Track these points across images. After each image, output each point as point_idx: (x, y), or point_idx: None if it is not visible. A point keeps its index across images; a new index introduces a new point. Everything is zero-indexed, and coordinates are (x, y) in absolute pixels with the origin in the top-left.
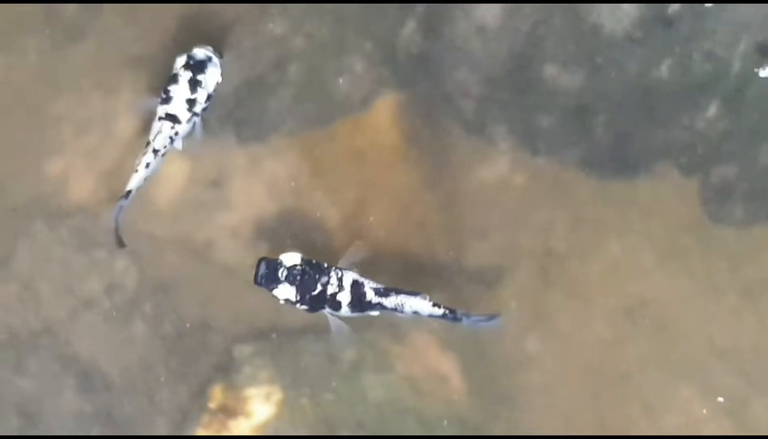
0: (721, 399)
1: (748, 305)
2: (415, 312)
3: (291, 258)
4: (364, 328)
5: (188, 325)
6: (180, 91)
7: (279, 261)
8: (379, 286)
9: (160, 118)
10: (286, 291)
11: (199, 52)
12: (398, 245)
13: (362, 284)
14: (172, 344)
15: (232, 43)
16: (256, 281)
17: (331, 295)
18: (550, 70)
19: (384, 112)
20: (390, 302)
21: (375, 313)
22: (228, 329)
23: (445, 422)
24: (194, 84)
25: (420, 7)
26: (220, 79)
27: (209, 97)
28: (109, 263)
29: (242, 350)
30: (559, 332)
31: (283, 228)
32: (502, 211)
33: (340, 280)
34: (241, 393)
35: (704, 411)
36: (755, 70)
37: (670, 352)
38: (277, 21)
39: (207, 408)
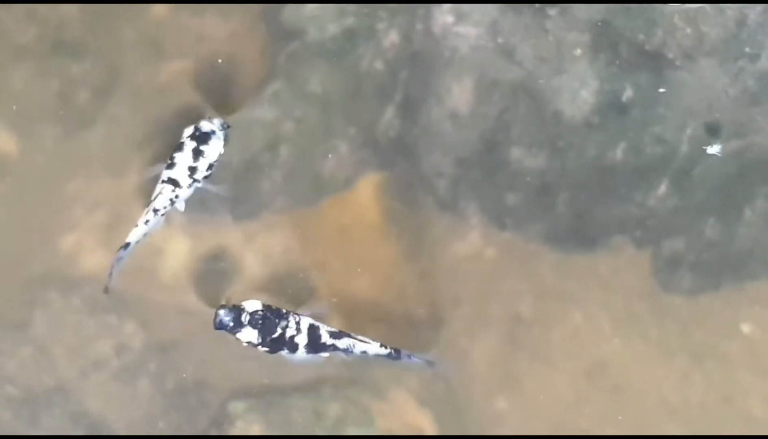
0: (663, 420)
1: (695, 367)
2: (364, 352)
3: (252, 304)
4: (347, 386)
5: (188, 382)
6: (184, 158)
7: (242, 307)
8: (333, 329)
9: (163, 182)
10: (249, 334)
11: (205, 125)
12: (380, 310)
13: (318, 328)
14: (173, 400)
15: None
16: (217, 327)
17: (290, 337)
18: (516, 153)
19: (366, 191)
20: (342, 343)
21: (327, 354)
22: (223, 386)
23: None
24: (197, 153)
25: (398, 96)
26: (222, 151)
27: (210, 166)
28: (118, 327)
29: (236, 406)
30: (525, 392)
31: (276, 295)
32: (474, 282)
33: (297, 323)
34: None
35: None
36: (704, 147)
37: (626, 409)
38: (268, 107)
39: None
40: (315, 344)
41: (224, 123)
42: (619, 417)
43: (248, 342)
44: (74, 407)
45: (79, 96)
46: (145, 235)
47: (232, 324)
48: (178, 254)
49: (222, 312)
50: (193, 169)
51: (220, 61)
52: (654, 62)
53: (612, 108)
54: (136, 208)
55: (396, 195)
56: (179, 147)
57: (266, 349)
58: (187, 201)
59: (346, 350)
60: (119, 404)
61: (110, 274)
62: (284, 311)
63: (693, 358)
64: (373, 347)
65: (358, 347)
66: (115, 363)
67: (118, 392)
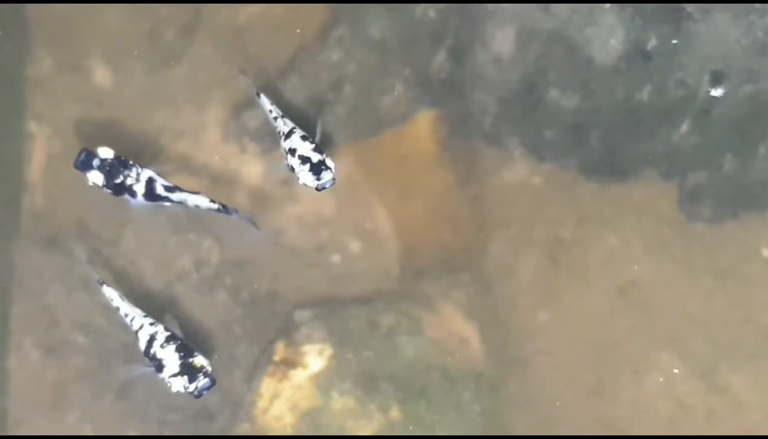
0: (676, 371)
1: (718, 287)
2: (197, 206)
3: (105, 152)
4: (400, 300)
5: (260, 294)
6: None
7: (96, 153)
8: (168, 184)
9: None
10: (96, 176)
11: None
12: (433, 232)
13: (155, 181)
14: (247, 309)
15: (297, 67)
16: (75, 166)
17: (129, 185)
18: (552, 94)
19: (422, 125)
20: (175, 196)
21: (167, 204)
22: (291, 298)
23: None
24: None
25: (448, 41)
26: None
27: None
28: (197, 244)
29: (301, 315)
30: (564, 306)
31: (340, 218)
32: (520, 207)
33: (138, 175)
34: (299, 349)
35: (680, 373)
36: (708, 90)
37: (654, 324)
38: (332, 50)
39: (272, 361)
40: (151, 194)
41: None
42: (647, 331)
43: (94, 183)
44: (161, 315)
45: (167, 35)
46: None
47: (85, 165)
48: (252, 177)
49: (82, 155)
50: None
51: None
52: (675, 15)
53: (638, 55)
54: (215, 137)
55: (448, 129)
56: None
57: (110, 191)
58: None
59: (180, 202)
60: (199, 312)
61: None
62: (131, 162)
63: (716, 279)
64: (204, 201)
65: (191, 200)
66: (194, 276)
67: (198, 302)
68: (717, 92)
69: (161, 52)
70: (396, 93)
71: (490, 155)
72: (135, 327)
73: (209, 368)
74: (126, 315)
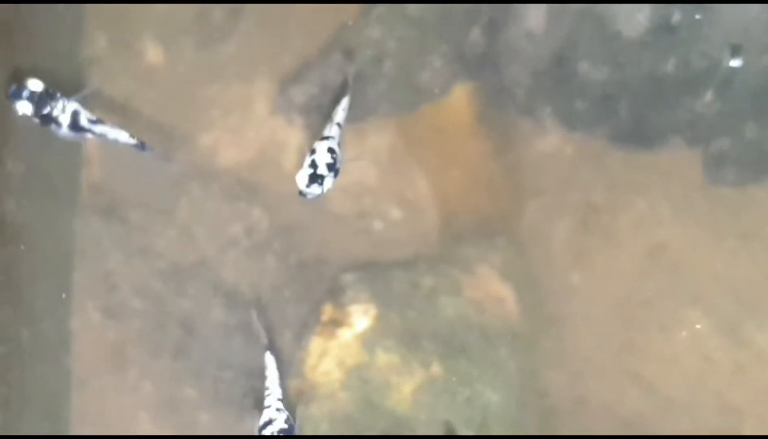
0: (698, 326)
1: (743, 247)
2: (116, 140)
3: (35, 84)
4: (440, 262)
5: (308, 258)
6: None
7: (26, 85)
8: (93, 117)
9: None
10: (25, 107)
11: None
12: (470, 200)
13: (80, 113)
14: (295, 273)
15: (339, 42)
16: (7, 96)
17: (55, 116)
18: (582, 67)
19: (459, 98)
20: (98, 129)
21: (90, 136)
22: (337, 262)
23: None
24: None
25: (483, 18)
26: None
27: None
28: (247, 212)
29: (347, 278)
30: (595, 269)
31: (382, 187)
32: (553, 175)
33: (64, 107)
34: (345, 309)
35: (706, 330)
36: (728, 61)
37: (681, 284)
38: (373, 27)
39: (320, 321)
40: (75, 126)
41: None
42: (675, 291)
43: (23, 113)
44: (213, 279)
45: (215, 15)
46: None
47: (16, 96)
48: (299, 148)
49: (13, 87)
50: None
51: None
52: None
53: (663, 29)
54: (263, 111)
55: (484, 101)
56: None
57: (38, 121)
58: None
59: (101, 135)
60: (250, 276)
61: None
62: (58, 95)
63: (741, 240)
64: (124, 136)
65: (112, 134)
66: (245, 243)
67: (249, 267)
68: (736, 63)
69: (210, 31)
70: (434, 68)
71: (523, 126)
72: (266, 403)
73: None
74: (267, 388)
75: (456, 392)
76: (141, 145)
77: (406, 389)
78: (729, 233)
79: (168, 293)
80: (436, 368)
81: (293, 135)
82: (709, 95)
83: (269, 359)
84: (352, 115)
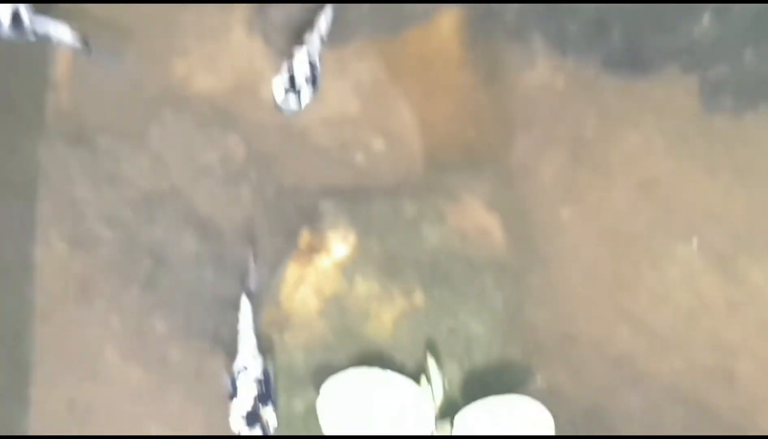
0: (694, 242)
1: (738, 182)
2: (60, 40)
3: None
4: (424, 190)
5: (285, 189)
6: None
7: None
8: (35, 17)
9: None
10: None
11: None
12: (457, 130)
13: (21, 13)
14: (271, 204)
15: None
16: None
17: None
18: None
19: (446, 24)
20: (41, 27)
21: (33, 39)
22: (316, 193)
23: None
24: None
25: None
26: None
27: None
28: (222, 140)
29: (326, 204)
30: (586, 202)
31: (364, 116)
32: (543, 107)
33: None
34: (323, 236)
35: (700, 266)
36: None
37: (674, 219)
38: None
39: (297, 247)
40: (18, 26)
41: None
42: (667, 226)
43: None
44: (185, 208)
45: None
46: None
47: None
48: (275, 74)
49: None
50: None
51: None
52: None
53: None
54: (241, 38)
55: (471, 27)
56: None
57: None
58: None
59: (44, 36)
60: (224, 206)
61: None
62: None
63: (736, 174)
64: (67, 36)
65: (55, 32)
66: (219, 171)
67: (224, 196)
68: None
69: None
70: None
71: (513, 53)
72: (240, 348)
73: (271, 427)
74: (242, 333)
75: (439, 322)
76: (85, 45)
77: (386, 318)
78: (724, 166)
79: (138, 222)
80: (418, 298)
81: (272, 63)
82: (706, 19)
83: (245, 303)
84: (332, 39)
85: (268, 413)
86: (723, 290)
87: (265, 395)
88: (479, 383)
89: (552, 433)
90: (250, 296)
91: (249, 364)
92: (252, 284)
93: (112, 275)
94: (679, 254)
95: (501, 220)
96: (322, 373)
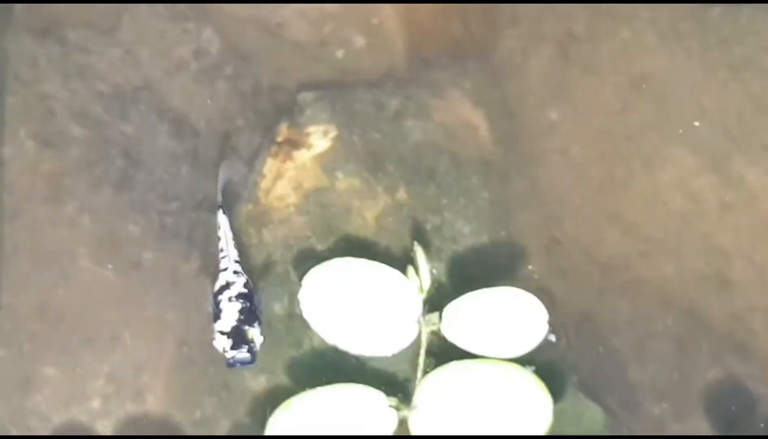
0: (696, 123)
1: (734, 78)
2: None
3: None
4: (408, 84)
5: (263, 85)
6: None
7: None
8: None
9: None
10: None
11: None
12: (442, 26)
13: None
14: (248, 100)
15: None
16: None
17: None
18: None
19: None
20: None
21: None
22: (294, 89)
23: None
24: None
25: None
26: None
27: None
28: (196, 33)
29: (305, 97)
30: (575, 102)
31: (345, 13)
32: (530, 3)
33: None
34: (303, 130)
35: (693, 167)
36: None
37: (667, 118)
38: None
39: (275, 142)
40: None
41: None
42: (660, 125)
43: None
44: (159, 104)
45: None
46: None
47: None
48: None
49: None
50: None
51: None
52: None
53: None
54: None
55: None
56: None
57: None
58: None
59: None
60: (199, 102)
61: None
62: None
63: (732, 71)
64: None
65: None
66: (194, 66)
67: (198, 92)
68: None
69: None
70: None
71: None
72: (221, 266)
73: (258, 346)
74: (221, 250)
75: (424, 219)
76: None
77: (368, 215)
78: (719, 62)
79: (110, 118)
80: (401, 194)
81: None
82: None
83: (222, 219)
84: None
85: (254, 333)
86: (717, 192)
87: (250, 313)
88: (466, 280)
89: (546, 327)
90: (226, 211)
91: (231, 280)
92: (227, 198)
93: (83, 175)
94: (672, 156)
95: (487, 117)
96: (301, 269)
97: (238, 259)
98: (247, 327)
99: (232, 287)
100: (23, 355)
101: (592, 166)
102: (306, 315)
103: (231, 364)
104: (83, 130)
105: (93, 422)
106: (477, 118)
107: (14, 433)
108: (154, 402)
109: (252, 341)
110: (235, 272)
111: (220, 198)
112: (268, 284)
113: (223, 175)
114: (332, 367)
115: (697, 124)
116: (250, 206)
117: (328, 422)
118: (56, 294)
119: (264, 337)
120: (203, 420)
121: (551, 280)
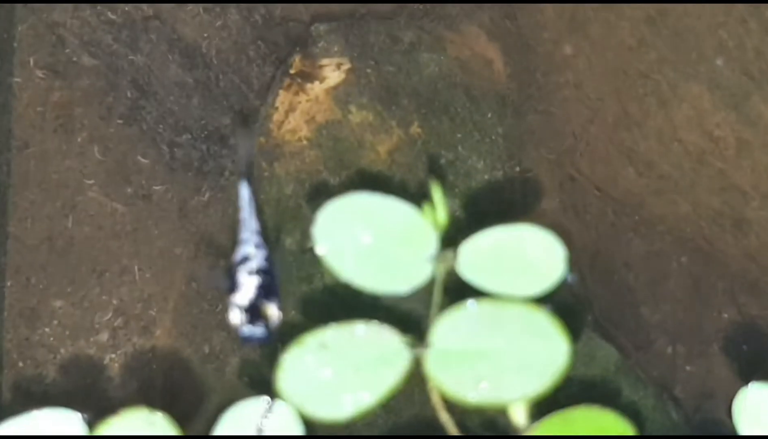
0: (719, 62)
1: (753, 14)
2: None
3: None
4: (423, 17)
5: (276, 16)
6: None
7: None
8: None
9: None
10: None
11: None
12: None
13: None
14: (260, 31)
15: None
16: None
17: None
18: None
19: None
20: None
21: None
22: (306, 21)
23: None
24: None
25: None
26: None
27: None
28: None
29: (319, 29)
30: (591, 38)
31: None
32: None
33: None
34: (316, 62)
35: (710, 104)
36: None
37: (684, 55)
38: None
39: (288, 74)
40: None
41: None
42: (677, 62)
43: None
44: (170, 34)
45: None
46: None
47: None
48: None
49: None
50: None
51: None
52: None
53: None
54: None
55: None
56: None
57: None
58: None
59: None
60: (211, 32)
61: None
62: None
63: (751, 7)
64: None
65: None
66: None
67: (209, 22)
68: None
69: None
70: None
71: None
72: (242, 236)
73: (275, 323)
74: (243, 220)
75: (438, 154)
76: None
77: (381, 149)
78: None
79: (120, 48)
80: (415, 129)
81: None
82: None
83: (244, 189)
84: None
85: (271, 308)
86: (734, 130)
87: (269, 288)
88: (480, 217)
89: (563, 266)
90: (248, 179)
91: (251, 254)
92: (249, 166)
93: (92, 105)
94: (689, 93)
95: (502, 50)
96: (313, 204)
97: (258, 230)
98: (264, 302)
99: (251, 261)
100: (30, 286)
101: (607, 103)
102: (319, 250)
103: (245, 339)
104: (93, 60)
105: (101, 355)
106: (492, 52)
107: (21, 365)
108: (163, 336)
109: (269, 318)
110: (256, 246)
111: (243, 168)
112: (279, 220)
113: (246, 144)
114: (345, 304)
115: (719, 62)
116: (261, 139)
117: (341, 359)
118: (65, 225)
119: (281, 313)
120: (212, 355)
121: (565, 217)
